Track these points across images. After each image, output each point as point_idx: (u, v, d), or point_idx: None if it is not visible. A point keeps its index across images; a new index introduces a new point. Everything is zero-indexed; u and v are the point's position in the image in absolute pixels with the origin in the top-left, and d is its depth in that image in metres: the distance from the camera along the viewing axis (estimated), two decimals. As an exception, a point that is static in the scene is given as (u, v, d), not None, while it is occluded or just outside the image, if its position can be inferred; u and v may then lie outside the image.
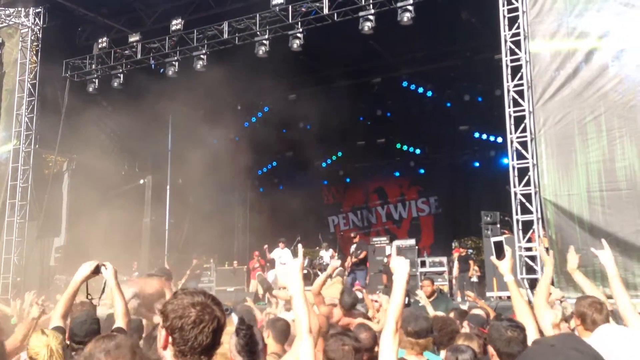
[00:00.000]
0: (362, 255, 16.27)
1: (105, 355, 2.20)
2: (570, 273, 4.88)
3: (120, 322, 3.67)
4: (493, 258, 4.08)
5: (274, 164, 24.46)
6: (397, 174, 23.40)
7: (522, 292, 3.79)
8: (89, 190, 17.69)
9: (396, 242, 16.85)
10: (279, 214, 20.73)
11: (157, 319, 2.89)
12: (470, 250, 17.23)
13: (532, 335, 3.24)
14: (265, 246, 17.89)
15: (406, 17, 13.09)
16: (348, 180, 24.11)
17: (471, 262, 15.51)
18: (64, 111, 17.63)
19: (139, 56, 16.86)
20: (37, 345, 3.18)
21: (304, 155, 21.50)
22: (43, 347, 3.14)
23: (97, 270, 3.78)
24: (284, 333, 4.39)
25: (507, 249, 4.03)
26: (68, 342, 3.55)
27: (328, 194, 24.81)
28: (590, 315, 4.18)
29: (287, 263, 15.19)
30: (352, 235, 17.95)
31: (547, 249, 11.61)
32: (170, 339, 2.03)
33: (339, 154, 23.52)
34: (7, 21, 18.06)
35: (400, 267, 3.04)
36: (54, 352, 3.12)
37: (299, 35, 14.56)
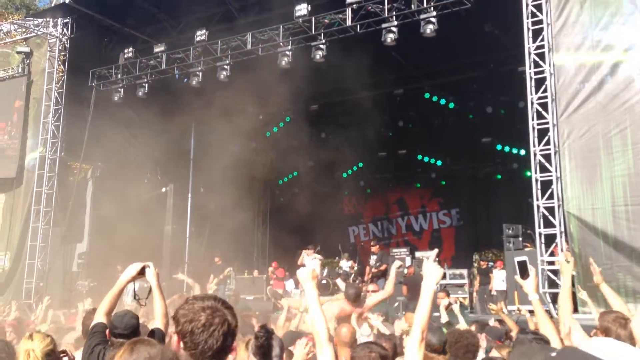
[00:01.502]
0: (382, 268, 16.18)
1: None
2: (597, 286, 4.79)
3: (159, 322, 3.72)
4: (517, 277, 4.04)
5: (295, 174, 24.52)
6: (418, 185, 23.29)
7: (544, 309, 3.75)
8: (112, 197, 17.92)
9: (417, 253, 16.77)
10: (299, 224, 20.75)
11: None
12: (491, 263, 17.08)
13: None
14: (274, 264, 17.96)
15: (429, 29, 13.09)
16: (369, 190, 24.08)
17: (491, 275, 15.36)
18: (90, 120, 17.90)
19: (163, 66, 17.08)
20: (20, 350, 3.30)
21: (325, 166, 21.53)
22: (23, 351, 3.23)
23: (142, 272, 3.84)
24: None
25: (532, 268, 3.99)
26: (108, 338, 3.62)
27: (349, 204, 24.78)
28: (615, 330, 4.09)
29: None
30: (372, 244, 17.83)
31: (568, 262, 11.48)
32: (182, 343, 2.05)
33: (360, 164, 23.49)
34: (35, 31, 18.47)
35: (431, 273, 3.02)
36: (32, 358, 3.20)
37: (321, 46, 14.65)
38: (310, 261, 16.06)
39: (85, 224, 18.95)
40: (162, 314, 3.78)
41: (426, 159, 22.53)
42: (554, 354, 1.74)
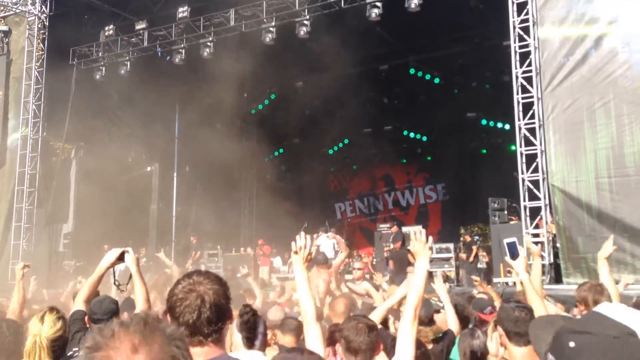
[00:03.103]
0: (397, 245, 16.09)
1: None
2: (598, 259, 4.98)
3: (140, 307, 3.73)
4: (507, 258, 4.14)
5: (281, 151, 24.48)
6: (404, 161, 23.38)
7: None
8: (97, 177, 17.77)
9: (404, 229, 16.86)
10: (285, 201, 20.77)
11: None
12: (476, 237, 17.27)
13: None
14: (260, 241, 18.00)
15: (414, 3, 13.04)
16: (355, 167, 24.12)
17: (474, 247, 15.57)
18: (71, 99, 17.66)
19: (145, 44, 16.86)
20: (29, 331, 3.24)
21: (311, 143, 21.50)
22: (32, 335, 3.18)
23: (122, 257, 3.83)
24: (296, 330, 4.45)
25: (521, 249, 4.08)
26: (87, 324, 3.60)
27: (335, 180, 24.84)
28: (592, 297, 4.24)
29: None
30: (389, 225, 17.62)
31: (554, 235, 11.64)
32: (169, 319, 2.08)
33: (346, 141, 23.49)
34: (14, 9, 18.08)
35: (423, 253, 3.07)
36: (38, 345, 3.13)
37: (305, 22, 14.53)
38: (327, 240, 16.06)
39: (70, 204, 18.82)
40: (143, 299, 3.79)
41: (412, 134, 22.57)
42: (578, 317, 1.74)
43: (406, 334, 2.89)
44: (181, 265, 15.15)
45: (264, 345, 3.27)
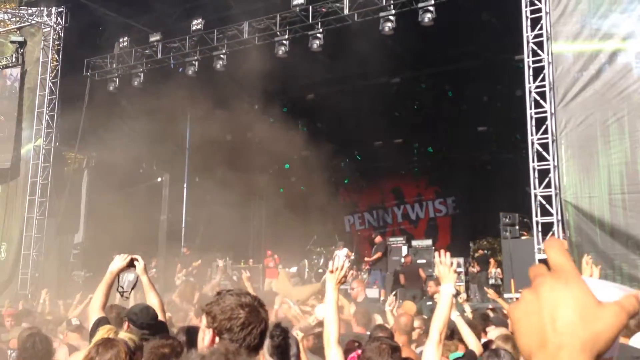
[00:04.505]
0: (376, 256, 16.19)
1: None
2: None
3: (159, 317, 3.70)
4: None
5: (291, 163, 24.49)
6: (415, 174, 23.34)
7: None
8: (108, 187, 17.87)
9: (414, 242, 16.84)
10: (295, 213, 20.78)
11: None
12: (487, 252, 17.17)
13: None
14: (269, 252, 17.99)
15: (427, 17, 13.08)
16: (365, 180, 24.10)
17: (492, 260, 15.52)
18: (85, 109, 17.79)
19: (159, 55, 16.99)
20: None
21: (322, 155, 21.51)
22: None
23: (131, 263, 3.80)
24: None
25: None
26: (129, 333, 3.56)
27: (345, 193, 24.81)
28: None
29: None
30: (373, 235, 17.81)
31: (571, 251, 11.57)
32: (217, 339, 2.04)
33: (356, 153, 23.51)
34: (29, 20, 18.30)
35: (448, 277, 3.07)
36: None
37: (319, 35, 14.59)
38: (342, 255, 16.01)
39: (81, 215, 18.90)
40: (159, 309, 3.74)
41: (423, 148, 22.55)
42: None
43: (432, 356, 2.88)
44: (171, 277, 15.23)
45: None
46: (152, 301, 3.77)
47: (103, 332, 3.15)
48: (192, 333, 3.58)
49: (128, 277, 4.03)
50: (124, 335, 3.14)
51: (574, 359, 0.66)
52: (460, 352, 4.66)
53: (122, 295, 3.99)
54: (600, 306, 0.69)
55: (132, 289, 3.98)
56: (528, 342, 0.71)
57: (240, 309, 2.03)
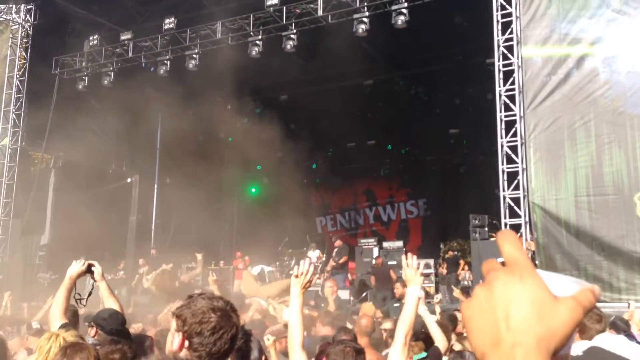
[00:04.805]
0: (341, 261, 16.25)
1: None
2: None
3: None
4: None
5: (264, 164, 24.41)
6: (387, 175, 23.48)
7: None
8: (75, 188, 17.56)
9: (385, 244, 16.91)
10: (267, 215, 20.71)
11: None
12: (457, 253, 17.34)
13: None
14: (238, 253, 17.92)
15: (400, 20, 13.18)
16: (337, 181, 24.14)
17: (461, 261, 15.67)
18: (53, 108, 17.48)
19: (130, 54, 16.79)
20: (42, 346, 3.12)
21: (294, 156, 21.49)
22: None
23: (88, 269, 3.77)
24: None
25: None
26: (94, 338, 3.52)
27: (317, 194, 24.81)
28: (590, 326, 4.28)
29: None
30: (333, 239, 17.92)
31: (534, 252, 11.75)
32: (186, 343, 2.00)
33: (329, 155, 23.54)
34: (-3, 17, 17.92)
35: (414, 280, 3.09)
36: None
37: (292, 36, 14.59)
38: (314, 257, 15.99)
39: (47, 215, 18.53)
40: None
41: (395, 150, 22.70)
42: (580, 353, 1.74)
43: (397, 359, 2.90)
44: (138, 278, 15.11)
45: None
46: (114, 307, 3.74)
47: (46, 337, 3.14)
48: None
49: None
50: (65, 335, 3.13)
51: (529, 358, 0.64)
52: (423, 353, 4.69)
53: (79, 302, 3.92)
54: (556, 301, 0.66)
55: (89, 295, 3.92)
56: (481, 341, 0.68)
57: (211, 313, 2.00)
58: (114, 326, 3.56)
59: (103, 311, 3.73)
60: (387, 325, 6.11)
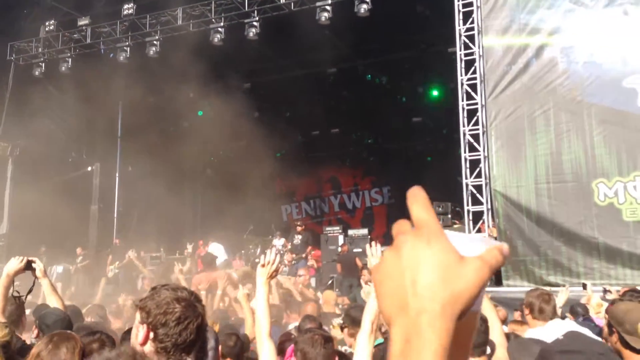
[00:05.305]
0: (344, 249, 16.23)
1: None
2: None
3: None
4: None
5: (227, 152, 24.21)
6: (351, 164, 23.56)
7: None
8: (34, 177, 17.15)
9: (350, 232, 17.01)
10: (230, 203, 20.56)
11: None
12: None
13: (495, 327, 3.35)
14: (200, 241, 17.80)
15: (363, 8, 13.17)
16: (302, 169, 24.11)
17: None
18: (8, 95, 17.01)
19: (88, 40, 16.40)
20: None
21: (258, 144, 21.35)
22: None
23: (28, 266, 3.69)
24: None
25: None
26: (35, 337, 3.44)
27: (281, 183, 24.75)
28: (538, 304, 4.40)
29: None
30: (298, 224, 17.93)
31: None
32: (151, 334, 1.97)
33: (293, 143, 23.45)
34: (-54, 0, 17.23)
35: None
36: None
37: (255, 23, 14.44)
38: (279, 245, 15.95)
39: (5, 206, 18.10)
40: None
41: (359, 138, 22.76)
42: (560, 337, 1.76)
43: (364, 347, 2.90)
44: (103, 268, 14.90)
45: None
46: (54, 305, 3.67)
47: None
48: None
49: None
50: None
51: (434, 325, 0.62)
52: (381, 339, 4.73)
53: (18, 299, 3.81)
54: (462, 262, 0.65)
55: (29, 291, 3.83)
56: (388, 305, 0.67)
57: (176, 303, 1.98)
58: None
59: (48, 316, 3.63)
60: (338, 320, 6.15)
